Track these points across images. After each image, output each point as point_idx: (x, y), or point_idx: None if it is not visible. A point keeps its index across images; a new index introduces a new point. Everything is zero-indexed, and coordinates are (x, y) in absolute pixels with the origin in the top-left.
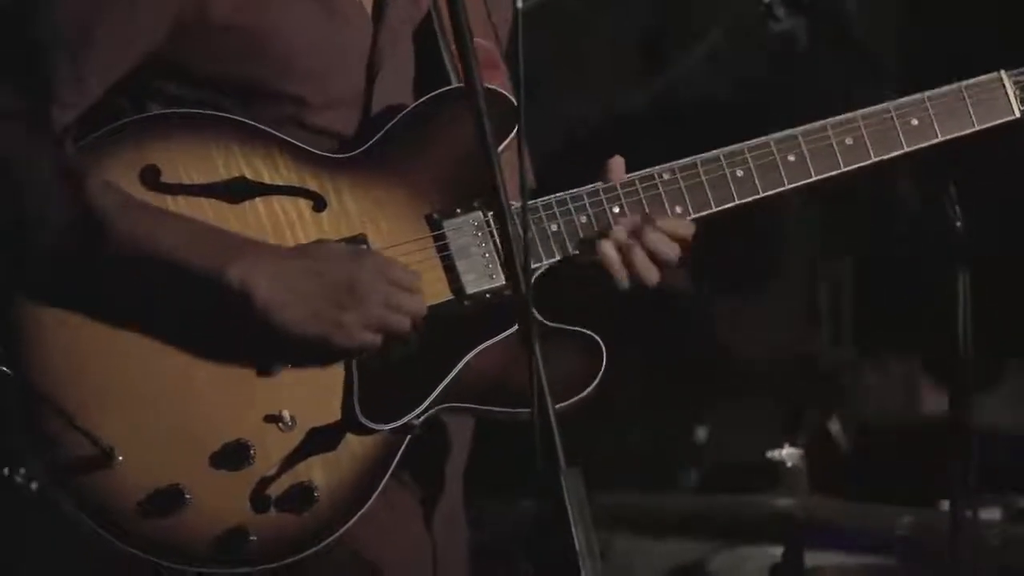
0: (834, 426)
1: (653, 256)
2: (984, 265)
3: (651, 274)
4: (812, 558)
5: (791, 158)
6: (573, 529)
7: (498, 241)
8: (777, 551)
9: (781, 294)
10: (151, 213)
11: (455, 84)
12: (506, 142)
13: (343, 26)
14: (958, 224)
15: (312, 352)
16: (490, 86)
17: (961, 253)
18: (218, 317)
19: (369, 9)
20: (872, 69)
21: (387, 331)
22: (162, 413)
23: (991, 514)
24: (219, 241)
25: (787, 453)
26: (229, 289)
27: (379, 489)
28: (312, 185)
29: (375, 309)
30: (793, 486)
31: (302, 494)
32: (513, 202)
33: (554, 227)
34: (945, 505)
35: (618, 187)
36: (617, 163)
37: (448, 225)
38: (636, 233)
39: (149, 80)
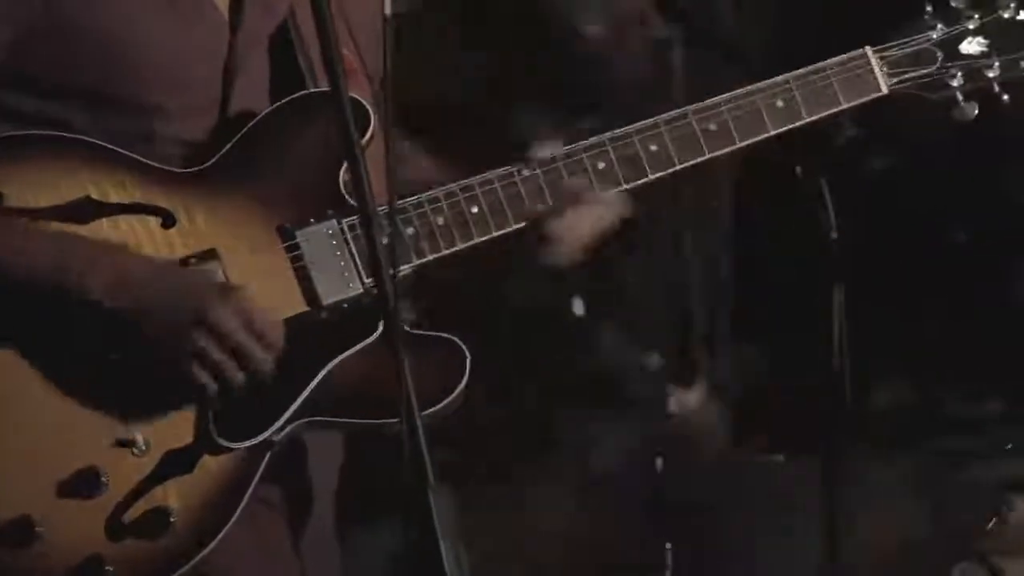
0: None
1: None
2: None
3: None
4: None
5: (653, 147)
6: (443, 550)
7: (354, 249)
8: None
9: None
10: None
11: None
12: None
13: (198, 29)
14: (833, 235)
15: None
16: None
17: (836, 265)
18: (59, 325)
19: (226, 14)
20: (745, 73)
21: (222, 376)
22: (8, 442)
23: None
24: (57, 241)
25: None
26: (67, 286)
27: (239, 509)
28: (161, 202)
29: (213, 353)
30: None
31: (157, 519)
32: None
33: (410, 230)
34: None
35: (476, 186)
36: None
37: (301, 235)
38: None
39: None
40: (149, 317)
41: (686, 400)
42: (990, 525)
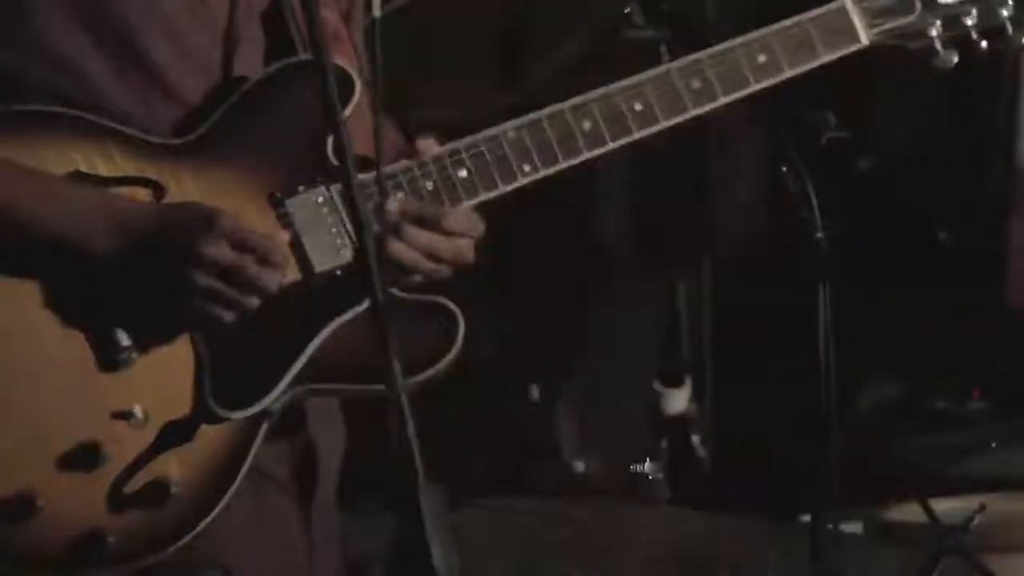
0: (695, 438)
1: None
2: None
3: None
4: None
5: (638, 107)
6: (431, 546)
7: (345, 216)
8: None
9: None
10: None
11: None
12: (346, 112)
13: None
14: (819, 236)
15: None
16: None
17: (822, 265)
18: (58, 295)
19: None
20: None
21: (235, 306)
22: (8, 418)
23: (853, 528)
24: (56, 204)
25: (649, 467)
26: (70, 253)
27: (239, 479)
28: (150, 173)
29: (217, 286)
30: (654, 499)
31: (157, 490)
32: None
33: (400, 195)
34: (806, 518)
35: (463, 150)
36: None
37: (291, 203)
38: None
39: None
40: (150, 264)
41: (674, 400)
42: (975, 521)
